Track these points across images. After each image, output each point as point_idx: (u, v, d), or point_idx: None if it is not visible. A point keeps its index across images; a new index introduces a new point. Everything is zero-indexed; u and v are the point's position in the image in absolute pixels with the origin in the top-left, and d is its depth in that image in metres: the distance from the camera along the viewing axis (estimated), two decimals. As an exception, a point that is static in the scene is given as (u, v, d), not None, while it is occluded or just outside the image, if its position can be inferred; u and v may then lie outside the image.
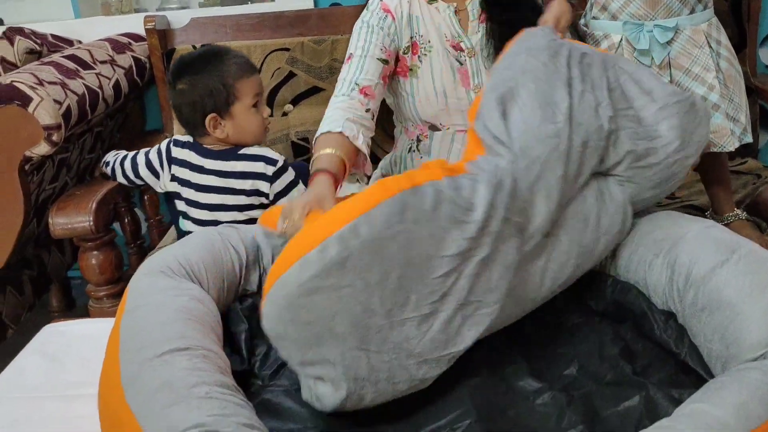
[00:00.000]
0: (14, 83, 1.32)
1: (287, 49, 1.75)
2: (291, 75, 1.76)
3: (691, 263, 0.96)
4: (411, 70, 1.40)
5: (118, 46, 1.76)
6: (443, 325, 0.87)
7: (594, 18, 1.39)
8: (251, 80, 1.34)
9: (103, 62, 1.65)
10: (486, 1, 1.39)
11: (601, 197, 1.05)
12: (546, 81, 1.03)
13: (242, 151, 1.36)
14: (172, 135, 1.55)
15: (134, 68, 1.76)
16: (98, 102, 1.54)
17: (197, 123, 1.34)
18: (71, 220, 1.36)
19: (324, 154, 1.22)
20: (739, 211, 1.42)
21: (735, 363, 0.82)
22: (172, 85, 1.35)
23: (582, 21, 1.44)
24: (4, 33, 1.72)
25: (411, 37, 1.40)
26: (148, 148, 1.45)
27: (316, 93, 1.77)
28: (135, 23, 1.85)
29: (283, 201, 1.35)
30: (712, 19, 1.36)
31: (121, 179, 1.48)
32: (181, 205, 1.40)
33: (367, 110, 1.31)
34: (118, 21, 1.94)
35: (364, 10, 1.41)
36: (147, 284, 0.99)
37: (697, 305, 0.91)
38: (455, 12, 1.40)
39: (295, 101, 1.77)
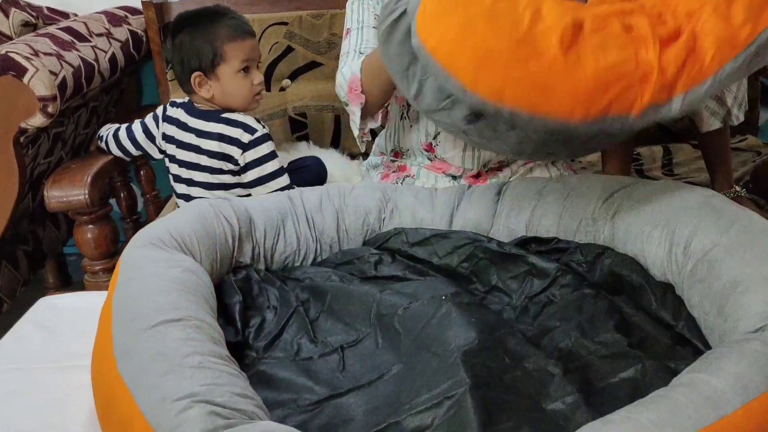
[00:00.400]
0: (9, 54, 1.31)
1: (285, 23, 1.73)
2: (289, 49, 1.74)
3: (690, 234, 0.95)
4: None
5: (114, 19, 1.74)
6: None
7: None
8: (242, 44, 1.33)
9: (99, 35, 1.63)
10: None
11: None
12: None
13: (225, 115, 1.36)
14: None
15: (131, 42, 1.74)
16: (94, 75, 1.52)
17: (185, 80, 1.34)
18: (66, 193, 1.35)
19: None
20: (738, 188, 1.41)
21: (734, 335, 0.82)
22: (171, 39, 1.36)
23: None
24: (-1, 5, 1.70)
25: None
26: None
27: (315, 68, 1.75)
28: (131, -4, 1.83)
29: (253, 173, 1.33)
30: None
31: (116, 151, 1.47)
32: (167, 162, 1.42)
33: None
34: (115, -7, 1.92)
35: None
36: (139, 256, 0.99)
37: (696, 276, 0.91)
38: None
39: (293, 76, 1.76)
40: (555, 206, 1.15)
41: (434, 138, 1.46)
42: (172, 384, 0.71)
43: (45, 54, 1.37)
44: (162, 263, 0.97)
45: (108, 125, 1.51)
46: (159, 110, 1.44)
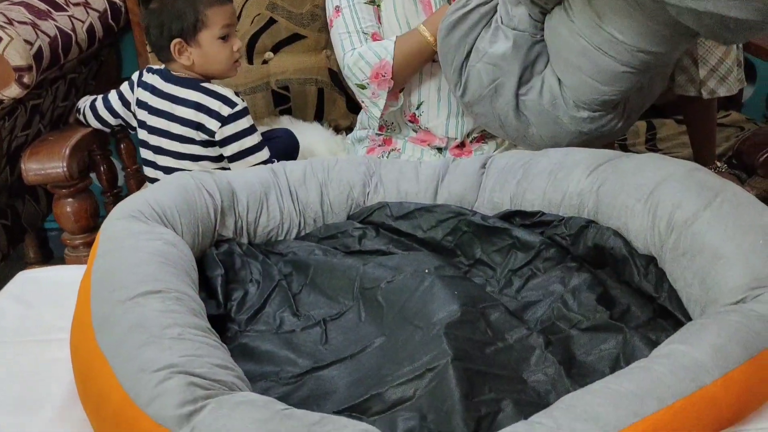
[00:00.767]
0: (-19, 22, 1.27)
1: (267, -5, 1.70)
2: (271, 21, 1.71)
3: (673, 207, 0.95)
4: (373, 1, 1.39)
5: (91, -12, 1.70)
6: None
7: None
8: (223, 9, 1.31)
9: (76, 4, 1.59)
10: None
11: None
12: None
13: (205, 84, 1.34)
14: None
15: (109, 12, 1.70)
16: (71, 45, 1.49)
17: (164, 46, 1.31)
18: (44, 165, 1.33)
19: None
20: (720, 164, 1.42)
21: (715, 307, 0.82)
22: (146, 5, 1.33)
23: None
24: (-29, -27, 1.65)
25: None
26: None
27: (298, 40, 1.72)
28: (110, -35, 1.78)
29: (233, 148, 1.32)
30: None
31: (94, 123, 1.45)
32: (138, 128, 1.40)
33: None
34: (92, -38, 1.87)
35: None
36: (119, 229, 0.97)
37: (679, 249, 0.91)
38: None
39: (276, 48, 1.73)
40: (540, 180, 1.14)
41: (417, 108, 1.45)
42: (150, 355, 0.70)
43: (20, 23, 1.33)
44: (142, 236, 0.96)
45: (85, 97, 1.48)
46: (135, 75, 1.42)
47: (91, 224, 1.40)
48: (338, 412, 0.78)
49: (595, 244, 1.02)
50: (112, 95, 1.44)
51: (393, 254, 1.09)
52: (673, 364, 0.70)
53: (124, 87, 1.42)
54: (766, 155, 1.45)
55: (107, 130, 1.49)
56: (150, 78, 1.38)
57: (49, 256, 1.91)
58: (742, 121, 1.69)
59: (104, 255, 0.92)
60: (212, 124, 1.32)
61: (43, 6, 1.48)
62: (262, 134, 1.50)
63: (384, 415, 0.79)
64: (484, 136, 1.48)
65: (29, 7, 1.43)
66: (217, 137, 1.33)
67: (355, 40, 1.36)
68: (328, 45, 1.51)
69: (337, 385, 0.86)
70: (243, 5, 1.69)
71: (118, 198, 1.67)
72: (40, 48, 1.35)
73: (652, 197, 0.98)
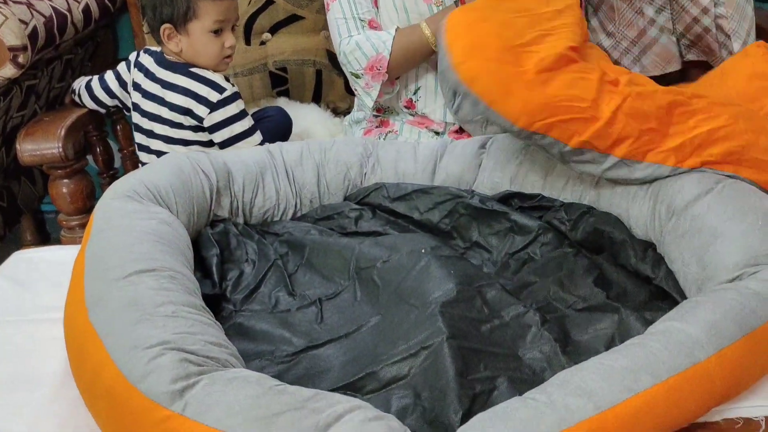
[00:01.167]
0: (-25, 1, 1.26)
1: (265, -25, 1.69)
2: (269, 2, 1.69)
3: (674, 192, 0.95)
4: None
5: (87, -32, 1.68)
6: None
7: None
8: (218, 4, 1.29)
9: (71, -16, 1.57)
10: None
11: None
12: None
13: (194, 70, 1.32)
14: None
15: (105, -8, 1.68)
16: (67, 25, 1.48)
17: (155, 28, 1.31)
18: (39, 146, 1.32)
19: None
20: None
21: (711, 284, 0.82)
22: None
23: None
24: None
25: None
26: None
27: (296, 21, 1.70)
28: (105, -56, 1.76)
29: (223, 134, 1.31)
30: None
31: (90, 104, 1.44)
32: (132, 110, 1.39)
33: None
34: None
35: None
36: (114, 208, 0.97)
37: (678, 231, 0.90)
38: None
39: (274, 30, 1.71)
40: (542, 162, 1.13)
41: (414, 93, 1.44)
42: (143, 332, 0.70)
43: (14, 2, 1.32)
44: (137, 215, 0.95)
45: (81, 78, 1.47)
46: (132, 56, 1.41)
47: (87, 205, 1.40)
48: (333, 391, 0.77)
49: (594, 228, 1.01)
50: (109, 75, 1.43)
51: (389, 236, 1.09)
52: (668, 341, 0.70)
53: (122, 67, 1.41)
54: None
55: (103, 110, 1.49)
56: (146, 60, 1.37)
57: (47, 238, 1.91)
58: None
59: (98, 234, 0.92)
60: (201, 110, 1.30)
61: (37, -15, 1.46)
62: (254, 114, 1.49)
63: (378, 393, 0.79)
64: None
65: (23, -13, 1.42)
66: (206, 123, 1.31)
67: (352, 26, 1.35)
68: (326, 26, 1.50)
69: (332, 364, 0.86)
70: (240, -15, 1.68)
71: (114, 179, 1.66)
72: (35, 28, 1.34)
73: (655, 184, 0.98)
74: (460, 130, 1.47)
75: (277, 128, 1.45)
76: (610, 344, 0.83)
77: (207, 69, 1.33)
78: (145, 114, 1.36)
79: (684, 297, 0.88)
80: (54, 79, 1.61)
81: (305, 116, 1.62)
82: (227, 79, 1.34)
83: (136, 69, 1.38)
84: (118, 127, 1.74)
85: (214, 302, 0.96)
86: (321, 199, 1.20)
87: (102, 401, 0.70)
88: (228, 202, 1.11)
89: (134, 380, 0.66)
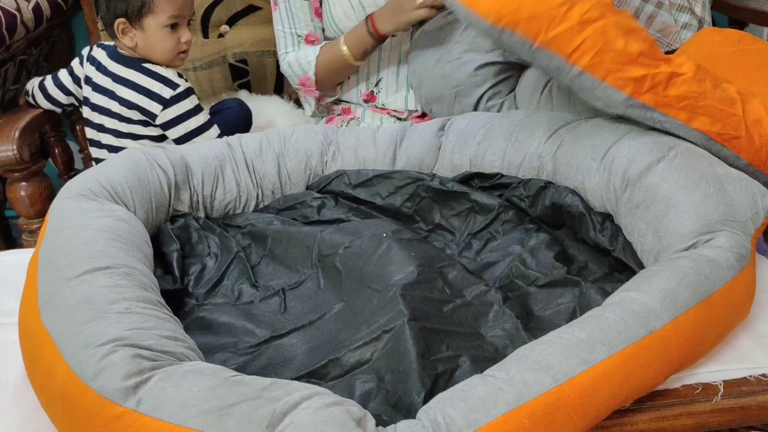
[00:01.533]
0: None
1: (220, -34, 1.66)
2: (225, -7, 1.67)
3: (627, 163, 0.95)
4: None
5: (36, -34, 1.65)
6: None
7: None
8: None
9: (19, -17, 1.54)
10: None
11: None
12: None
13: (146, 65, 1.30)
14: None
15: (56, -10, 1.65)
16: (16, 25, 1.44)
17: (109, 23, 1.28)
18: (-7, 149, 1.29)
19: (346, 33, 1.35)
20: None
21: (667, 254, 0.82)
22: None
23: None
24: None
25: None
26: None
27: (253, 12, 1.68)
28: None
29: (178, 131, 1.30)
30: None
31: (45, 103, 1.41)
32: (83, 104, 1.37)
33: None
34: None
35: None
36: (68, 207, 0.95)
37: (633, 202, 0.91)
38: None
39: (231, 21, 1.69)
40: (500, 141, 1.14)
41: (376, 85, 1.44)
42: (96, 330, 0.69)
43: (-40, 3, 1.29)
44: (92, 213, 0.94)
45: (34, 78, 1.44)
46: (85, 51, 1.38)
47: (47, 208, 1.37)
48: (296, 379, 0.77)
49: (553, 203, 1.02)
50: (62, 73, 1.40)
51: (351, 221, 1.08)
52: (624, 311, 0.70)
53: (75, 62, 1.39)
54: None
55: (59, 110, 1.46)
56: (98, 54, 1.35)
57: (12, 244, 1.87)
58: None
59: (52, 234, 0.90)
60: (153, 107, 1.28)
61: (-17, -15, 1.43)
62: (212, 107, 1.47)
63: (342, 378, 0.79)
64: None
65: (-31, -13, 1.39)
66: (159, 120, 1.29)
67: (289, 42, 1.41)
68: (284, 16, 1.49)
69: (295, 353, 0.86)
70: (195, -22, 1.65)
71: (75, 181, 1.64)
72: (-19, 28, 1.30)
73: (608, 155, 0.98)
74: (423, 116, 1.47)
75: (236, 120, 1.43)
76: (571, 318, 0.83)
77: (161, 64, 1.31)
78: (95, 108, 1.33)
79: (642, 267, 0.89)
80: (8, 81, 1.58)
81: (268, 108, 1.60)
82: (180, 75, 1.32)
83: (88, 63, 1.36)
84: (78, 128, 1.71)
85: (177, 298, 0.95)
86: (283, 189, 1.19)
87: (56, 402, 0.68)
88: (188, 197, 1.09)
89: (87, 379, 0.64)
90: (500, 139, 1.14)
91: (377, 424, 0.65)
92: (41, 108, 1.43)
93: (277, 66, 1.71)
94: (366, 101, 1.46)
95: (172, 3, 1.27)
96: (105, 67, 1.32)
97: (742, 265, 0.79)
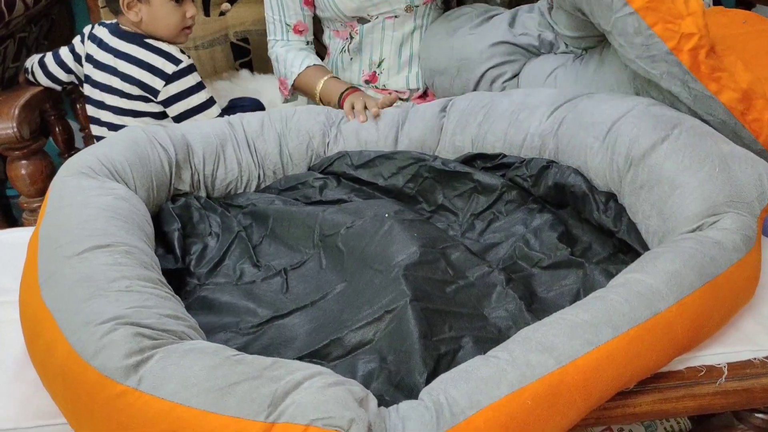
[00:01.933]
0: None
1: (221, -57, 1.64)
2: (226, -29, 1.65)
3: (631, 142, 0.93)
4: None
5: (35, -59, 1.62)
6: None
7: None
8: None
9: (18, -41, 1.52)
10: None
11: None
12: None
13: (149, 41, 1.29)
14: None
15: (56, -34, 1.63)
16: (15, 2, 1.42)
17: None
18: (-7, 127, 1.28)
19: (330, 78, 1.35)
20: None
21: (672, 236, 0.81)
22: None
23: None
24: None
25: None
26: None
27: (255, -10, 1.66)
28: None
29: (179, 107, 1.28)
30: None
31: (44, 81, 1.40)
32: (84, 82, 1.36)
33: (307, 43, 1.42)
34: None
35: None
36: (68, 185, 0.94)
37: (637, 182, 0.90)
38: None
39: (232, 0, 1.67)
40: (501, 121, 1.12)
41: (378, 66, 1.43)
42: (96, 308, 0.68)
43: (-43, -22, 1.27)
44: (92, 191, 0.93)
45: (34, 55, 1.43)
46: (86, 29, 1.37)
47: (48, 186, 1.36)
48: (299, 359, 0.77)
49: (556, 183, 1.01)
50: (63, 50, 1.39)
51: (353, 201, 1.08)
52: (628, 292, 0.70)
53: (75, 40, 1.38)
54: None
55: (59, 87, 1.44)
56: (100, 31, 1.34)
57: (13, 224, 1.86)
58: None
59: (53, 212, 0.89)
60: (156, 82, 1.27)
61: (-18, -39, 1.41)
62: (231, 101, 1.46)
63: (344, 359, 0.78)
64: None
65: (-33, -38, 1.37)
66: (161, 97, 1.28)
67: (278, 29, 1.40)
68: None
69: (297, 333, 0.85)
70: (195, -45, 1.63)
71: (76, 159, 1.63)
72: (-20, 4, 1.29)
73: (611, 134, 0.97)
74: (424, 95, 1.46)
75: None
76: (575, 300, 0.82)
77: (164, 40, 1.30)
78: (96, 85, 1.32)
79: (646, 248, 0.88)
80: (8, 59, 1.56)
81: (269, 88, 1.59)
82: (183, 51, 1.30)
83: (89, 41, 1.34)
84: (78, 107, 1.70)
85: (178, 277, 0.95)
86: (284, 169, 1.18)
87: (57, 379, 0.68)
88: (189, 176, 1.08)
89: (87, 357, 0.64)
90: (501, 118, 1.13)
91: (379, 405, 0.65)
92: (41, 85, 1.41)
93: (279, 45, 1.70)
94: (367, 82, 1.44)
95: None
96: (107, 44, 1.30)
97: (748, 247, 0.78)
